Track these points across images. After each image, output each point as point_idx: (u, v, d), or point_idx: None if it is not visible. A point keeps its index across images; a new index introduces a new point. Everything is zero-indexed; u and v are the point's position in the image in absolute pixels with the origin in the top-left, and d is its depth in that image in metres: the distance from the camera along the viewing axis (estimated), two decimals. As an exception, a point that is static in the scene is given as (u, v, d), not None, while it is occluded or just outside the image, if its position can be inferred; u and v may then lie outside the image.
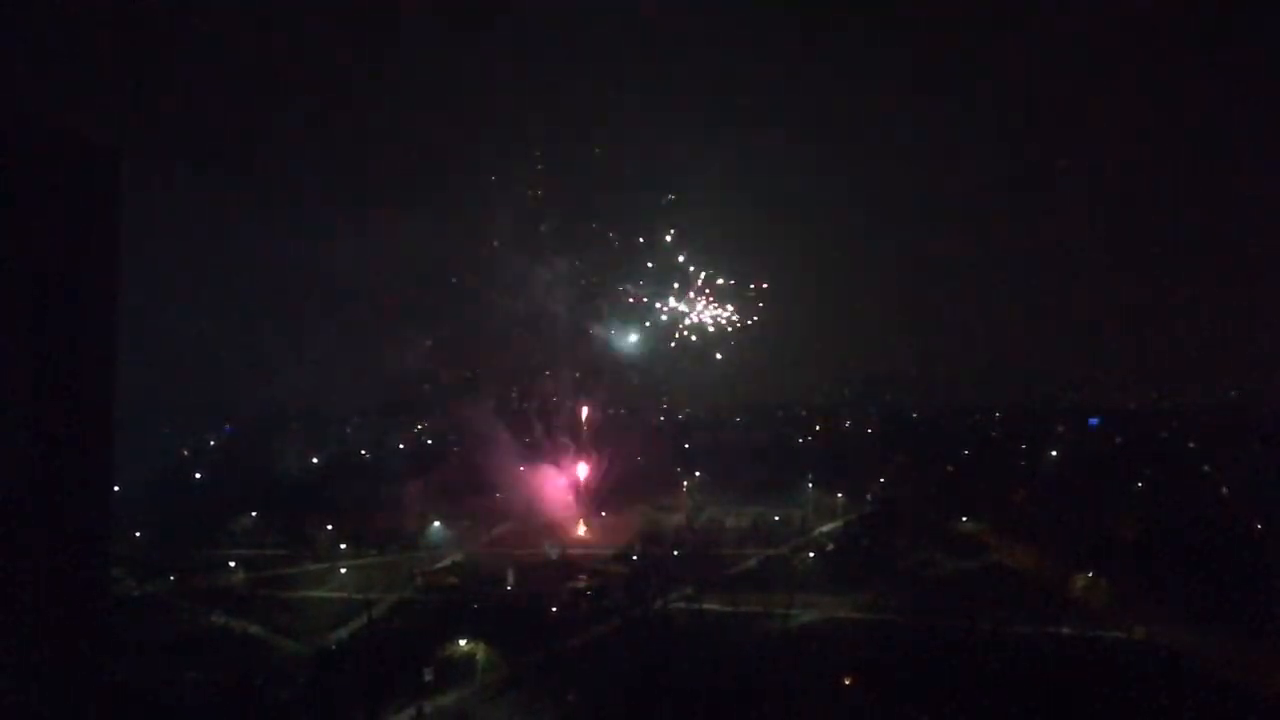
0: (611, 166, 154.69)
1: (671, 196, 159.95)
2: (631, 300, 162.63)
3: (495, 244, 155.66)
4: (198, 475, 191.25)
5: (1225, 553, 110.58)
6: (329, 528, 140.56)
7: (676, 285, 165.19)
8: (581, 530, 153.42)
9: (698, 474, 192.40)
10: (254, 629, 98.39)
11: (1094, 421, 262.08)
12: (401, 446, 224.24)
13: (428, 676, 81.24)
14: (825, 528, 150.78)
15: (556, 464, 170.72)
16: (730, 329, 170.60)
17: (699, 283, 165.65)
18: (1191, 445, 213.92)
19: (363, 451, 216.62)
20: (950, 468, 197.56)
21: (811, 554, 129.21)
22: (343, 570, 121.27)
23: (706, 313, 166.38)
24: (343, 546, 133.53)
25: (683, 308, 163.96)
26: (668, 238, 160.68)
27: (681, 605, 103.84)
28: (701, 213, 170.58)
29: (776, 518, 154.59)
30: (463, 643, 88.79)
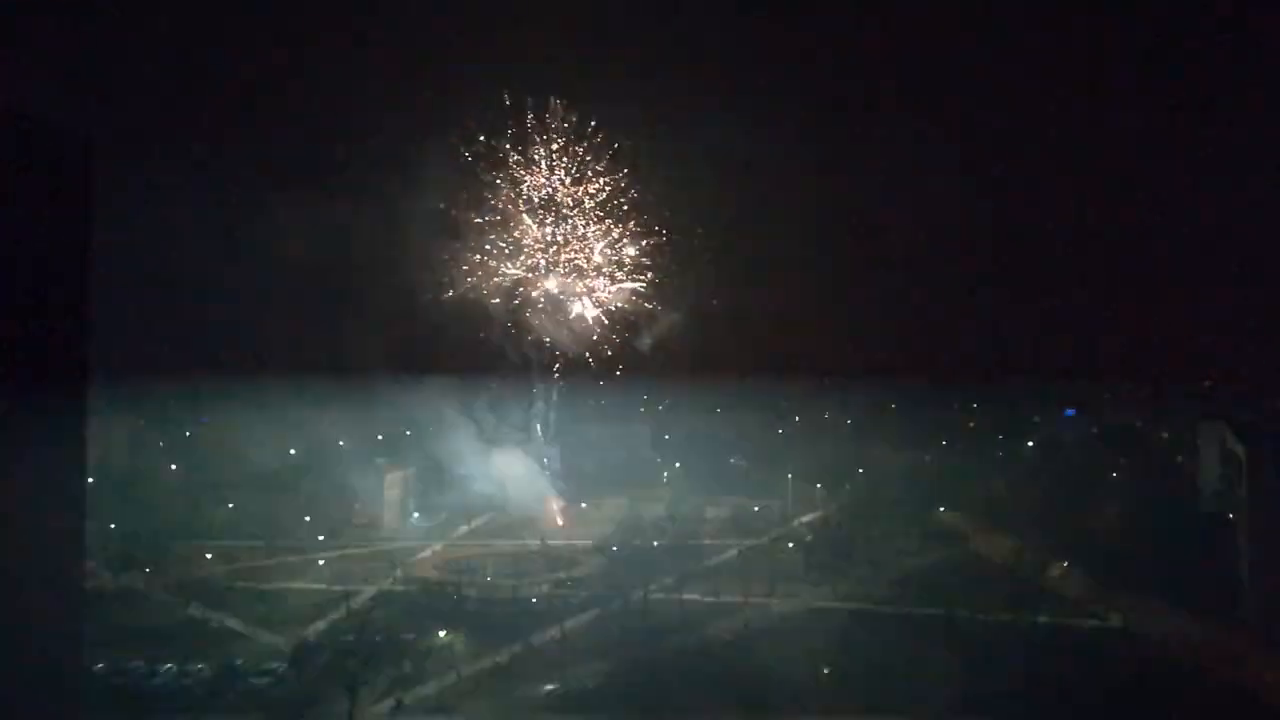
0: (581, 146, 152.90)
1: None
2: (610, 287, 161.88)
3: (468, 230, 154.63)
4: (173, 466, 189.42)
5: (1199, 541, 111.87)
6: (306, 519, 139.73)
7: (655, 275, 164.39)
8: (561, 521, 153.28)
9: (677, 464, 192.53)
10: (231, 621, 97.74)
11: (1070, 412, 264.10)
12: (380, 437, 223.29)
13: (407, 668, 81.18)
14: (805, 518, 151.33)
15: (535, 455, 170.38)
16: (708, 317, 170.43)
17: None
18: (1166, 435, 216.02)
19: (340, 442, 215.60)
20: (928, 458, 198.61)
21: (791, 544, 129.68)
22: (321, 562, 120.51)
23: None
24: (321, 538, 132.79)
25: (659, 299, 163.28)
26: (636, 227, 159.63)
27: (662, 596, 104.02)
28: (680, 200, 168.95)
29: (756, 508, 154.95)
30: (442, 634, 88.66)
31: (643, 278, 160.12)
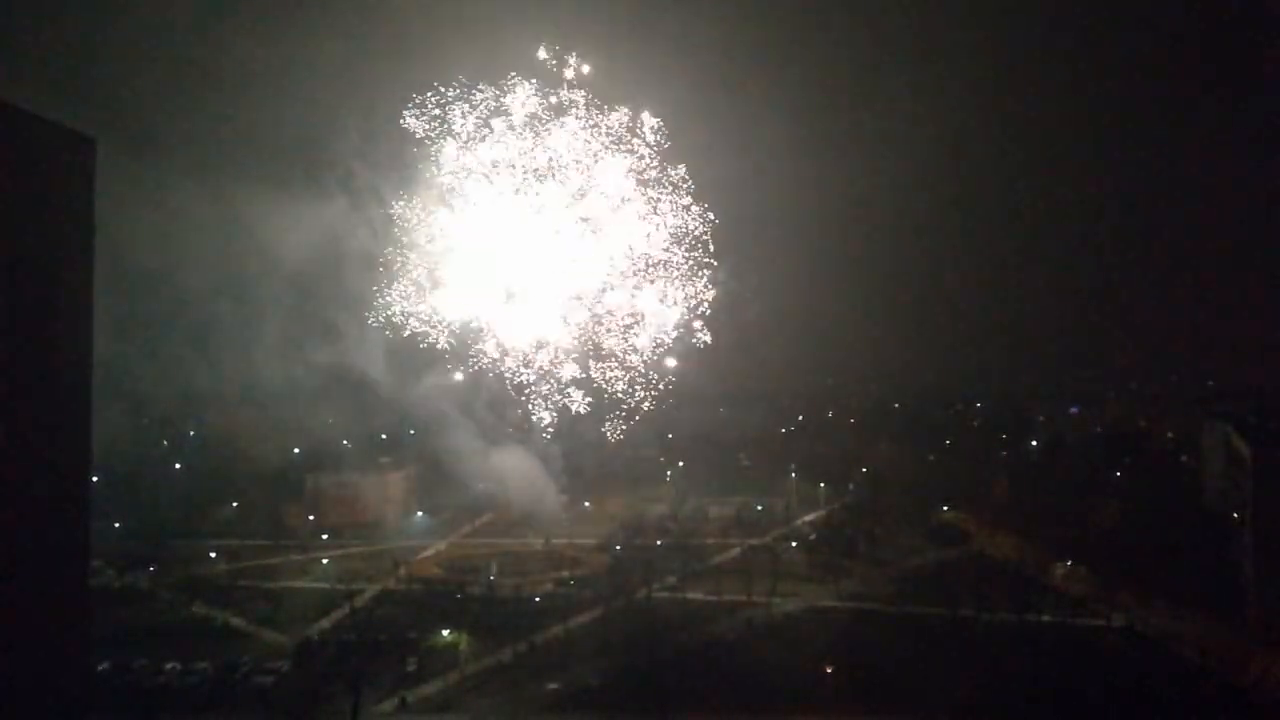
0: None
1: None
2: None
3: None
4: (177, 465, 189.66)
5: (1203, 540, 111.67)
6: (310, 518, 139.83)
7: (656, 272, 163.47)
8: (564, 520, 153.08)
9: (681, 464, 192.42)
10: (235, 620, 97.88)
11: (1074, 410, 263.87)
12: (384, 436, 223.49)
13: (411, 666, 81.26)
14: (808, 517, 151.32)
15: (538, 453, 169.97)
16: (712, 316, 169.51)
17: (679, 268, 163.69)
18: (1170, 434, 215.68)
19: (344, 441, 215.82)
20: (931, 457, 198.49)
21: (794, 543, 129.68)
22: (324, 561, 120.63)
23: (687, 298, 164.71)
24: (324, 537, 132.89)
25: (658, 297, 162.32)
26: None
27: (665, 595, 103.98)
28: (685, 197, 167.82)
29: (759, 507, 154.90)
30: (446, 633, 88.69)
31: (648, 279, 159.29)
